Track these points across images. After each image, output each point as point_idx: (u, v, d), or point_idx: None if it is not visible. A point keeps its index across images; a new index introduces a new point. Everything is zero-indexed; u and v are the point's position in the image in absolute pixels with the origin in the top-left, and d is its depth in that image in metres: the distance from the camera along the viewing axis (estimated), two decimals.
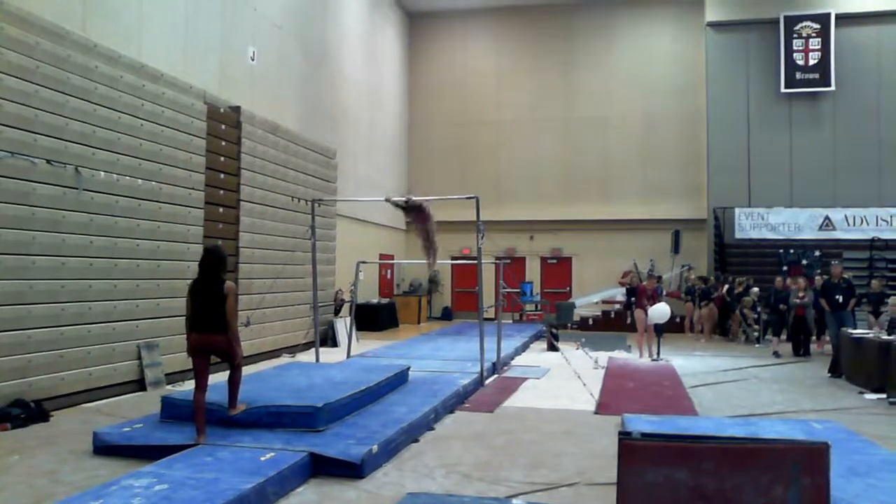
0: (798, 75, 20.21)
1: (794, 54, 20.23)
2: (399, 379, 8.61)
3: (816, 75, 20.09)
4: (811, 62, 20.14)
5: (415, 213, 10.10)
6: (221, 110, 11.26)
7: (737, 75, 20.71)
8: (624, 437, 4.32)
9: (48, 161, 7.74)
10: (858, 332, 11.07)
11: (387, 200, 10.49)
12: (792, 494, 4.00)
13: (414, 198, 10.25)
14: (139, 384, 9.06)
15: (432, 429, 7.14)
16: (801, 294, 13.60)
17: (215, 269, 6.03)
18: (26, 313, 7.50)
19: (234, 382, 6.23)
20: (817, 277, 14.54)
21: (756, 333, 15.81)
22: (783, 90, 20.26)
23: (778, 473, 4.03)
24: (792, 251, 19.37)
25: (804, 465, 4.04)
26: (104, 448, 5.94)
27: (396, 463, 5.89)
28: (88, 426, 6.58)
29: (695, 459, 4.08)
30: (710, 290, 17.34)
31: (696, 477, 4.05)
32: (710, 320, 17.17)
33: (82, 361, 8.22)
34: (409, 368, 9.18)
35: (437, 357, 11.92)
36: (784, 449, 4.14)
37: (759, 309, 15.51)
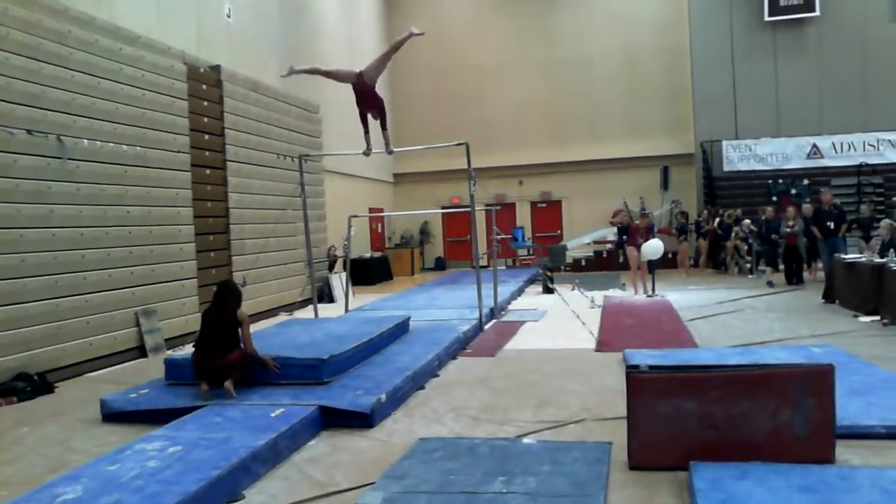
0: (782, 2, 19.93)
1: None
2: (400, 329, 8.65)
3: (801, 1, 19.83)
4: None
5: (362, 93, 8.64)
6: (201, 70, 11.02)
7: (720, 6, 20.43)
8: (632, 370, 4.38)
9: (28, 131, 7.57)
10: (851, 256, 11.17)
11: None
12: (799, 417, 4.07)
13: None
14: (140, 351, 9.06)
15: (437, 375, 7.21)
16: (790, 223, 13.66)
17: (230, 300, 6.28)
18: (21, 287, 7.43)
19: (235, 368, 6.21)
20: (805, 206, 14.61)
21: (749, 265, 15.93)
22: (767, 18, 20.02)
23: (784, 397, 4.09)
24: (781, 181, 19.42)
25: (810, 388, 4.10)
26: (112, 415, 5.96)
27: (405, 410, 5.96)
28: (94, 395, 6.58)
29: (702, 389, 4.13)
30: (685, 226, 17.45)
31: (704, 405, 4.11)
32: (686, 254, 17.37)
33: (82, 332, 8.19)
34: (409, 318, 9.21)
35: (435, 306, 11.96)
36: (789, 373, 4.20)
37: (750, 240, 15.59)
